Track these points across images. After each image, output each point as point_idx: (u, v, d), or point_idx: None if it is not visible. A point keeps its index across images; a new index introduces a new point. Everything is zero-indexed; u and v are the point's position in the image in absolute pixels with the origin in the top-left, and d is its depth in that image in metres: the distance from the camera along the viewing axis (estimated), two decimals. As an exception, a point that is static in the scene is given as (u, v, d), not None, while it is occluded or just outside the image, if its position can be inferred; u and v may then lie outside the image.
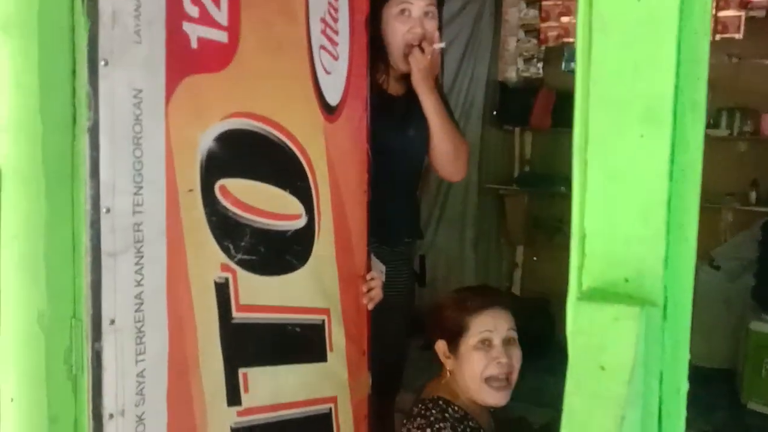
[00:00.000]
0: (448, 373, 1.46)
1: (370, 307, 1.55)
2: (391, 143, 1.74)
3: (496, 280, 3.80)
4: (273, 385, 1.26)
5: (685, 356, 0.60)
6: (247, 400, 1.20)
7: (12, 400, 0.90)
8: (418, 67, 1.68)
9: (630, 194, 0.58)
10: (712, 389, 3.32)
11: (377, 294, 1.54)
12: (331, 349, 1.41)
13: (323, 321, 1.39)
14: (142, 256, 0.99)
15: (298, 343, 1.32)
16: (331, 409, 1.42)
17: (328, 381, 1.41)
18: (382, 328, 1.84)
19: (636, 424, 0.53)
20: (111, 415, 0.96)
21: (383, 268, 1.60)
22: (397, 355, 1.96)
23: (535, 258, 3.86)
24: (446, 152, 1.79)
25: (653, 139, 0.57)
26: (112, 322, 0.96)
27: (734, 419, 3.17)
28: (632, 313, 0.53)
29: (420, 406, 1.43)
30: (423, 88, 1.71)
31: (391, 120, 1.77)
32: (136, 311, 0.99)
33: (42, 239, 0.91)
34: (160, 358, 1.03)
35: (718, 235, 3.66)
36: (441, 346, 1.48)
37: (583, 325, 0.54)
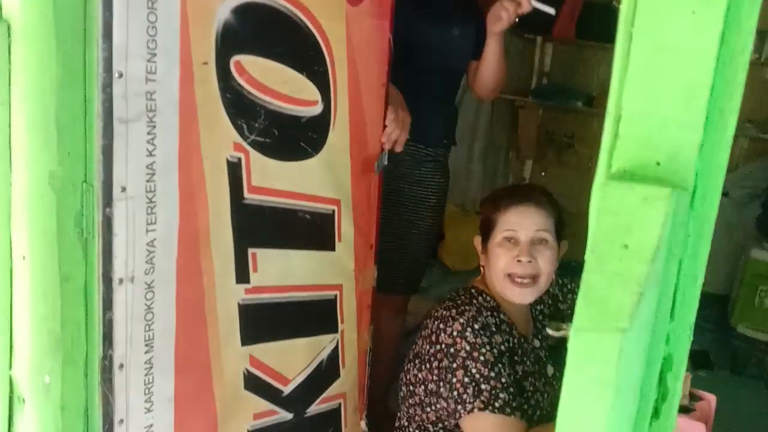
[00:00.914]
0: (482, 269, 1.44)
1: (398, 149, 1.52)
2: (433, 39, 1.74)
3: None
4: (281, 268, 1.28)
5: (706, 246, 0.59)
6: (255, 279, 1.22)
7: (24, 257, 0.91)
8: (509, 22, 1.69)
9: (673, 74, 0.55)
10: (704, 312, 3.41)
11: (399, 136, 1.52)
12: (340, 240, 1.42)
13: (333, 211, 1.38)
14: (154, 126, 0.97)
15: (307, 229, 1.33)
16: (336, 296, 1.45)
17: (334, 269, 1.43)
18: (414, 227, 1.90)
19: (652, 304, 0.53)
20: (120, 280, 0.98)
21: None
22: (424, 254, 2.02)
23: (543, 173, 3.84)
24: (490, 83, 1.87)
25: (705, 17, 0.53)
26: (123, 189, 0.95)
27: (723, 340, 3.26)
28: (662, 193, 0.51)
29: (452, 293, 1.43)
30: (499, 34, 1.74)
31: (434, 15, 1.77)
32: (147, 181, 0.98)
33: (53, 100, 0.89)
34: (170, 230, 1.03)
35: (731, 161, 3.62)
36: (477, 242, 1.46)
37: (610, 204, 0.53)
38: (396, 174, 1.86)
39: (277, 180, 1.22)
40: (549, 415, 1.39)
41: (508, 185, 1.67)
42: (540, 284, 1.37)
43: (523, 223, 1.36)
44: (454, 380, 1.29)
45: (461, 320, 1.31)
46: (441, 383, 1.33)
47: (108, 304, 0.97)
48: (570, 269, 1.52)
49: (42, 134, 0.88)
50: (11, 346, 0.95)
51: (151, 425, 1.08)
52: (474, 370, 1.27)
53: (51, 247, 0.91)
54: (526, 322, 1.47)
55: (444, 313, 1.35)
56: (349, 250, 1.45)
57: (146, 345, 1.04)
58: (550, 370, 1.45)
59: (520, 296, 1.37)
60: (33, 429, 0.96)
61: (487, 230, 1.42)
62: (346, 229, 1.42)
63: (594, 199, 0.55)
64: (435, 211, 1.98)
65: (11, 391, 0.96)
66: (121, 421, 1.03)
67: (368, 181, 1.48)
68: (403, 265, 1.96)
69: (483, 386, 1.27)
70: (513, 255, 1.35)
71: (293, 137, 1.25)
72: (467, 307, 1.34)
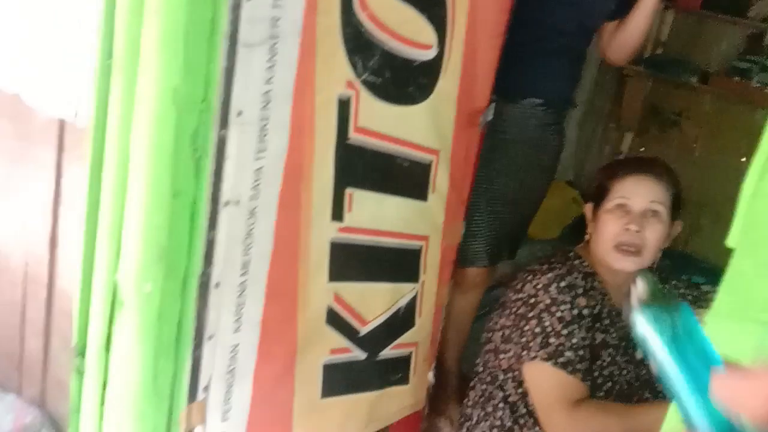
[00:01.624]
0: (588, 236, 1.42)
1: None
2: None
3: (596, 165, 3.65)
4: (374, 211, 1.28)
5: None
6: (349, 218, 1.22)
7: (139, 169, 0.94)
8: None
9: None
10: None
11: None
12: (434, 191, 1.40)
13: (431, 161, 1.36)
14: (275, 54, 0.97)
15: (404, 176, 1.32)
16: (422, 246, 1.44)
17: (424, 220, 1.42)
18: (529, 191, 1.86)
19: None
20: (227, 203, 1.00)
21: None
22: (531, 216, 1.97)
23: (642, 149, 3.65)
24: (628, 50, 1.78)
25: None
26: (240, 113, 0.96)
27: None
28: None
29: (551, 254, 1.43)
30: (657, 3, 1.64)
31: None
32: (262, 108, 0.99)
33: (184, 15, 0.89)
34: (278, 160, 1.04)
35: None
36: (588, 208, 1.44)
37: (772, 188, 0.49)
38: (519, 137, 1.79)
39: (381, 123, 1.20)
40: (625, 393, 1.37)
41: (630, 156, 1.59)
42: (644, 256, 1.33)
43: (638, 191, 1.33)
44: (526, 327, 1.32)
45: (549, 275, 1.33)
46: (514, 329, 1.35)
47: (212, 224, 1.00)
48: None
49: (170, 49, 0.89)
50: (118, 252, 0.99)
51: (237, 345, 1.12)
52: (547, 323, 1.29)
53: (166, 161, 0.94)
54: (625, 297, 1.43)
55: (536, 267, 1.37)
56: (441, 202, 1.43)
57: (242, 268, 1.07)
58: (639, 353, 1.41)
59: (621, 263, 1.34)
60: (131, 332, 1.01)
61: (599, 197, 1.38)
62: (441, 181, 1.40)
63: (750, 181, 0.51)
64: (549, 175, 1.92)
65: (114, 294, 1.01)
66: (211, 337, 1.07)
67: (470, 134, 1.44)
68: (513, 231, 1.91)
69: (551, 340, 1.28)
70: (623, 223, 1.32)
71: (404, 80, 1.23)
72: (559, 266, 1.35)
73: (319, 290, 1.23)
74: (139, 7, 0.89)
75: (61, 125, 1.00)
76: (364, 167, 1.22)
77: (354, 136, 1.16)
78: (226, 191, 0.99)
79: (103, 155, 0.97)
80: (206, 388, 1.10)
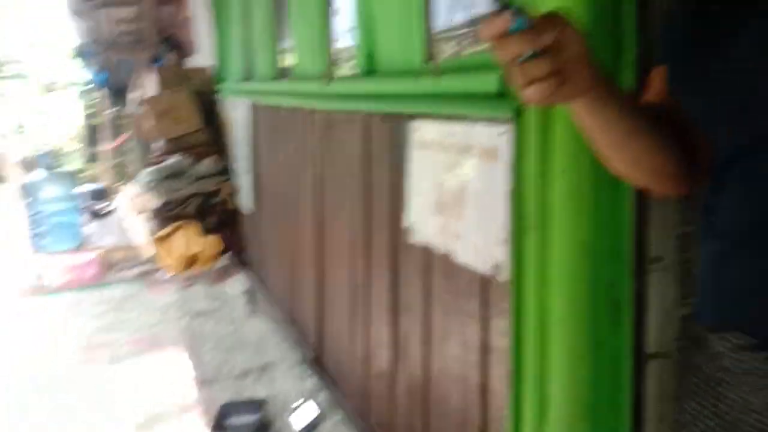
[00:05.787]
0: None
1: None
2: None
3: None
4: None
5: None
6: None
7: (559, 321, 0.95)
8: None
9: None
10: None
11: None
12: None
13: None
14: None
15: None
16: None
17: None
18: None
19: None
20: (652, 356, 0.92)
21: None
22: None
23: None
24: None
25: None
26: (658, 259, 0.89)
27: None
28: None
29: None
30: None
31: None
32: (683, 251, 0.90)
33: (588, 174, 0.90)
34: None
35: None
36: None
37: None
38: None
39: None
40: None
41: None
42: None
43: None
44: None
45: None
46: None
47: (638, 379, 0.93)
48: None
49: (576, 205, 0.91)
50: (543, 407, 0.98)
51: None
52: None
53: (584, 313, 0.93)
54: None
55: None
56: None
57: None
58: None
59: None
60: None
61: None
62: None
63: None
64: None
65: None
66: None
67: None
68: None
69: None
70: None
71: None
72: None
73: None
74: (546, 169, 0.93)
75: (484, 281, 1.09)
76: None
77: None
78: (651, 343, 0.91)
79: (523, 309, 1.00)
80: None
